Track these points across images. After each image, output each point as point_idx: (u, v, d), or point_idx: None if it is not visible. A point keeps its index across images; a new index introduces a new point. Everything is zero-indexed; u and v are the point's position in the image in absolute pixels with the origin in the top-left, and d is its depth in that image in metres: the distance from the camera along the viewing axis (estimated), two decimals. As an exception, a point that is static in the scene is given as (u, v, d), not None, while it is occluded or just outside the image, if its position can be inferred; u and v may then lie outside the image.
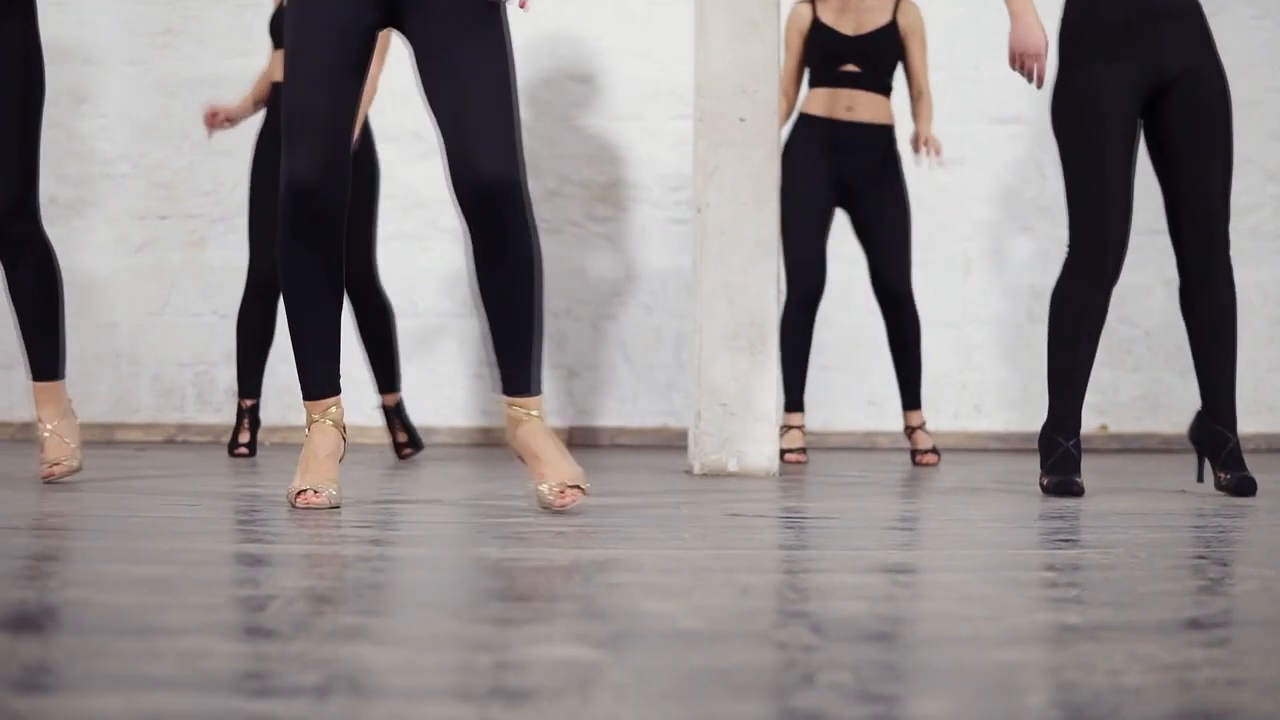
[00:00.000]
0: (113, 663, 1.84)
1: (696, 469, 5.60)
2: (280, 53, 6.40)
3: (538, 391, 3.93)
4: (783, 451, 6.28)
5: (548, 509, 3.83)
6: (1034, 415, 7.74)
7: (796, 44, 6.74)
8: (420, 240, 8.03)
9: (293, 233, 3.89)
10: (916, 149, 6.63)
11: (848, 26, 6.69)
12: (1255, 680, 1.84)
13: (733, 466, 5.58)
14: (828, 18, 6.70)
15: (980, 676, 1.83)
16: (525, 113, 8.03)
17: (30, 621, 2.16)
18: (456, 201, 3.86)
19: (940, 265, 8.03)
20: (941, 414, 8.02)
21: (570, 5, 8.04)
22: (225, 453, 6.71)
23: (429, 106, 3.89)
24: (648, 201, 8.03)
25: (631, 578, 2.66)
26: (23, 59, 4.55)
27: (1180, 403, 8.15)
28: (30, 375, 4.75)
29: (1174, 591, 2.63)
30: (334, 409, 3.99)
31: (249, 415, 6.59)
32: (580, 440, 7.99)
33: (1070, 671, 1.85)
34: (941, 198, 7.97)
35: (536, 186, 8.03)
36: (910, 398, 6.70)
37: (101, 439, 7.99)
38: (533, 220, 3.89)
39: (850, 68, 6.66)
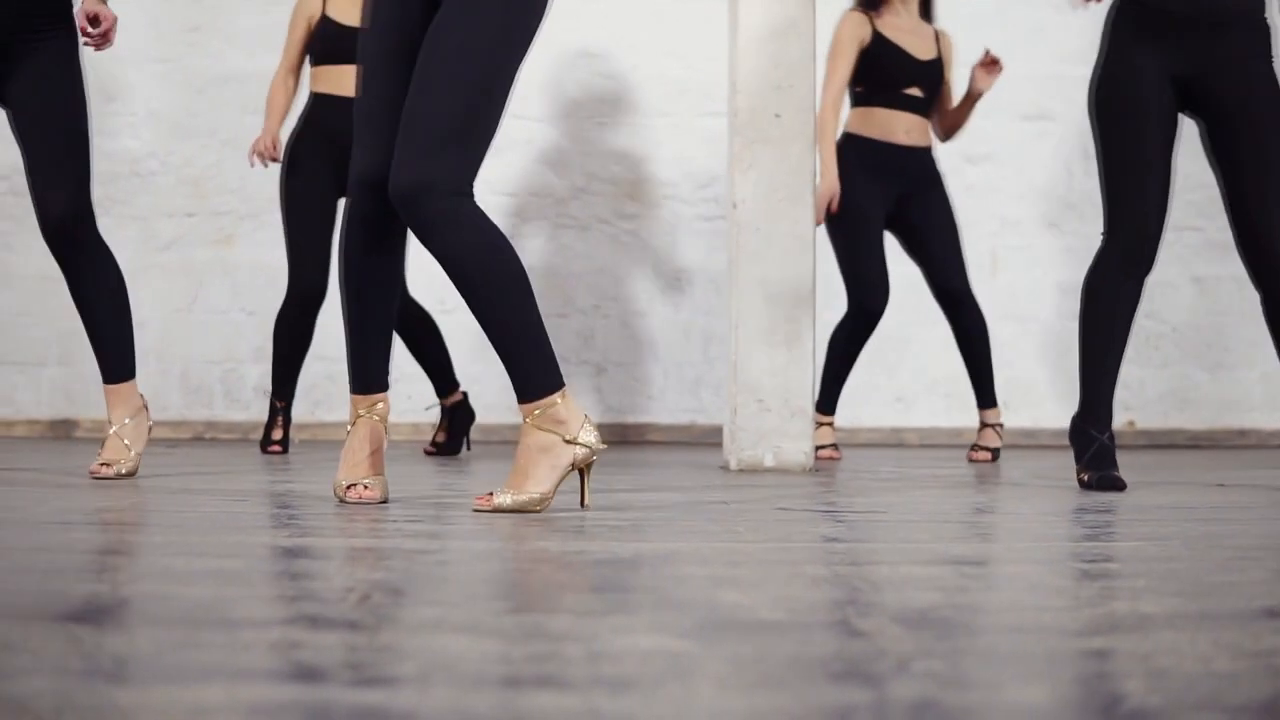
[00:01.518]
0: (203, 654, 1.84)
1: (733, 464, 5.60)
2: (319, 69, 6.43)
3: (529, 399, 3.72)
4: (815, 448, 6.27)
5: None
6: (1062, 412, 7.73)
7: (852, 54, 6.44)
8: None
9: (362, 226, 3.89)
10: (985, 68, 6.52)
11: (914, 49, 6.52)
12: (1346, 668, 1.84)
13: (769, 462, 5.58)
14: (891, 34, 6.49)
15: (1073, 664, 1.83)
16: (554, 110, 8.04)
17: (109, 615, 2.17)
18: None
19: (968, 262, 8.02)
20: (970, 410, 8.02)
21: (598, 3, 8.05)
22: (255, 450, 6.71)
23: None
24: (676, 198, 8.03)
25: (700, 570, 2.66)
26: (74, 72, 4.72)
27: (1207, 399, 8.15)
28: (102, 378, 4.82)
29: (1240, 581, 2.64)
30: (380, 405, 4.00)
31: (283, 414, 6.59)
32: (609, 437, 7.99)
33: (1160, 659, 1.85)
34: (969, 195, 7.96)
35: (564, 184, 8.04)
36: (984, 395, 6.63)
37: (130, 437, 8.00)
38: (471, 218, 3.69)
39: (915, 92, 6.50)
